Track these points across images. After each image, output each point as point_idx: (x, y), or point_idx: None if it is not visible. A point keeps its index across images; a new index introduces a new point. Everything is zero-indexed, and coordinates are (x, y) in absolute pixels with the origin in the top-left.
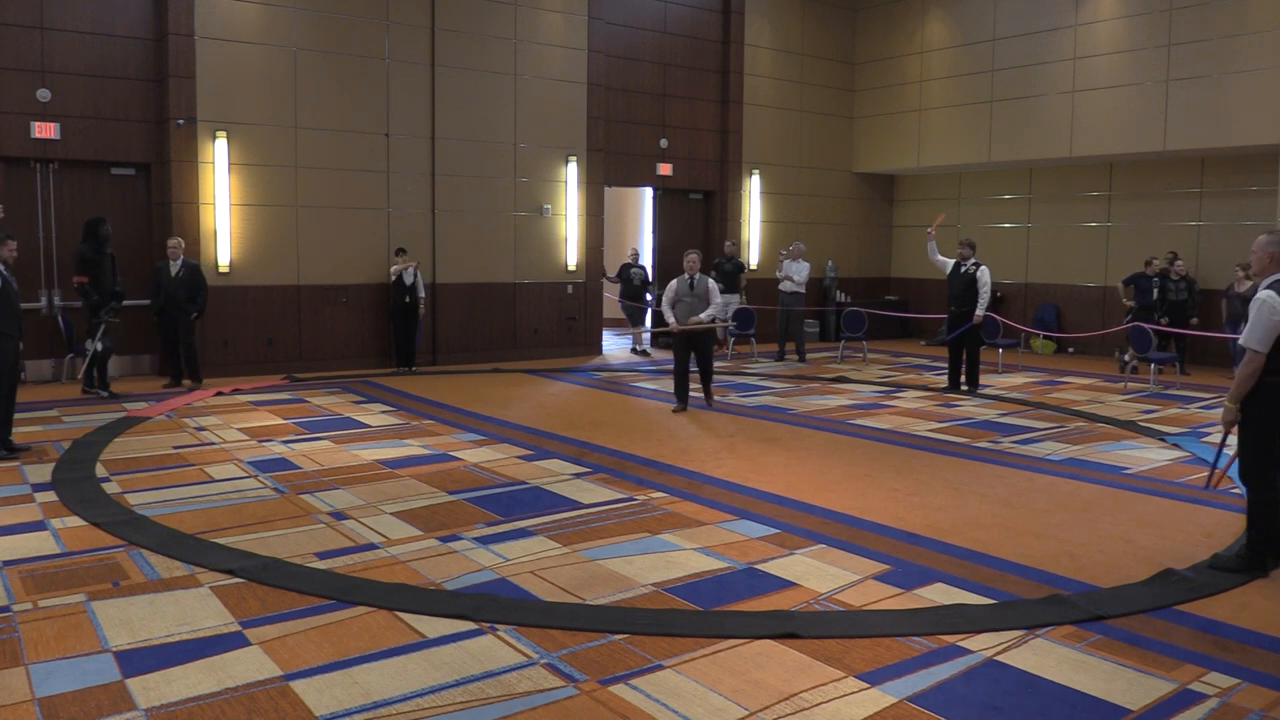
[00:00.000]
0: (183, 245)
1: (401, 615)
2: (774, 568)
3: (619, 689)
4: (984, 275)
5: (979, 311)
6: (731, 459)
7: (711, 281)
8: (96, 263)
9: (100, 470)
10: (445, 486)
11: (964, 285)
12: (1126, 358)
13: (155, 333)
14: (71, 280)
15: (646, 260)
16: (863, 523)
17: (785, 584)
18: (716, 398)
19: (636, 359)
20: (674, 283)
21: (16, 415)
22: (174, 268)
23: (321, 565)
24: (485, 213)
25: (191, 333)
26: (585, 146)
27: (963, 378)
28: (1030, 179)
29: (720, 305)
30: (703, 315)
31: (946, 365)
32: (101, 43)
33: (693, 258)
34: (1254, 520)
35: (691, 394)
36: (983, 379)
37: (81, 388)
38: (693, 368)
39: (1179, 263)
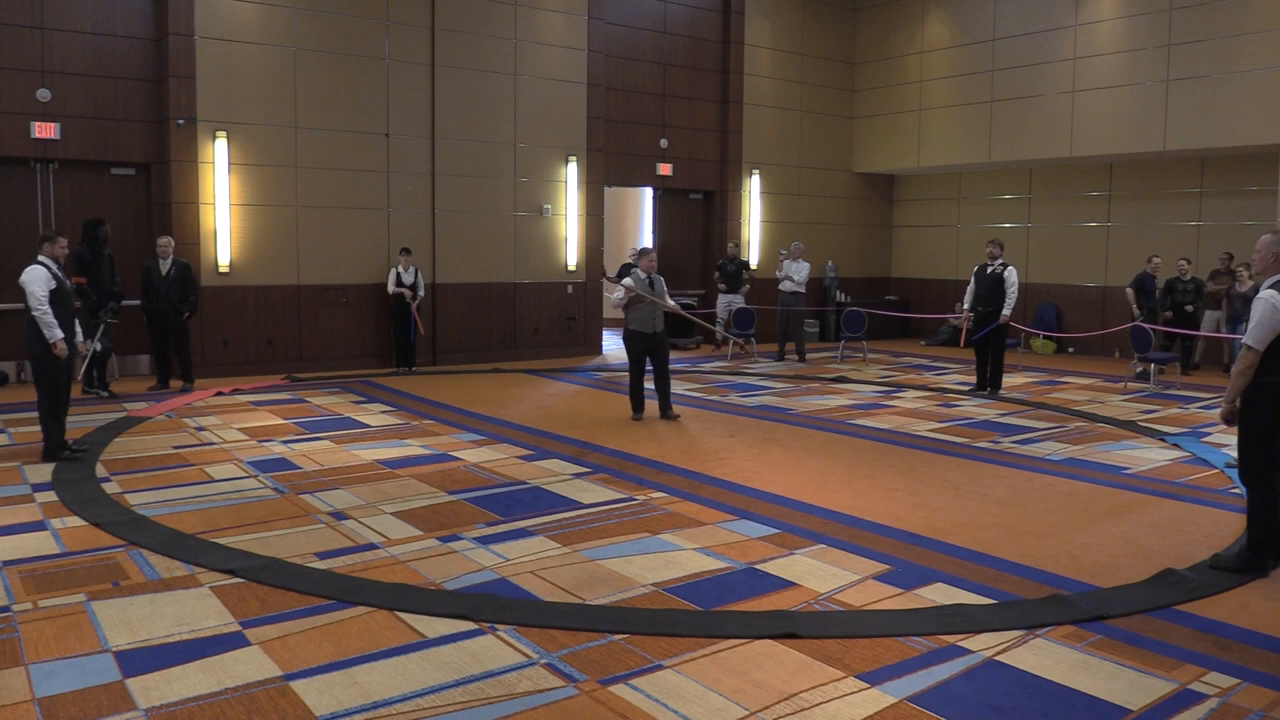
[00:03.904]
0: (172, 244)
1: (401, 615)
2: (774, 568)
3: (619, 689)
4: (1011, 275)
5: (1005, 312)
6: (731, 459)
7: (662, 280)
8: (94, 264)
9: (100, 470)
10: (445, 486)
11: (991, 285)
12: (1136, 363)
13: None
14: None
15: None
16: (863, 523)
17: (785, 584)
18: (715, 397)
19: None
20: (629, 281)
21: (16, 415)
22: (164, 267)
23: (321, 565)
24: (485, 213)
25: (185, 333)
26: (585, 146)
27: (971, 378)
28: (1030, 179)
29: (673, 303)
30: (667, 304)
31: (949, 365)
32: (101, 43)
33: (651, 256)
34: (1254, 521)
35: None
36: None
37: (81, 388)
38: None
39: (1181, 262)
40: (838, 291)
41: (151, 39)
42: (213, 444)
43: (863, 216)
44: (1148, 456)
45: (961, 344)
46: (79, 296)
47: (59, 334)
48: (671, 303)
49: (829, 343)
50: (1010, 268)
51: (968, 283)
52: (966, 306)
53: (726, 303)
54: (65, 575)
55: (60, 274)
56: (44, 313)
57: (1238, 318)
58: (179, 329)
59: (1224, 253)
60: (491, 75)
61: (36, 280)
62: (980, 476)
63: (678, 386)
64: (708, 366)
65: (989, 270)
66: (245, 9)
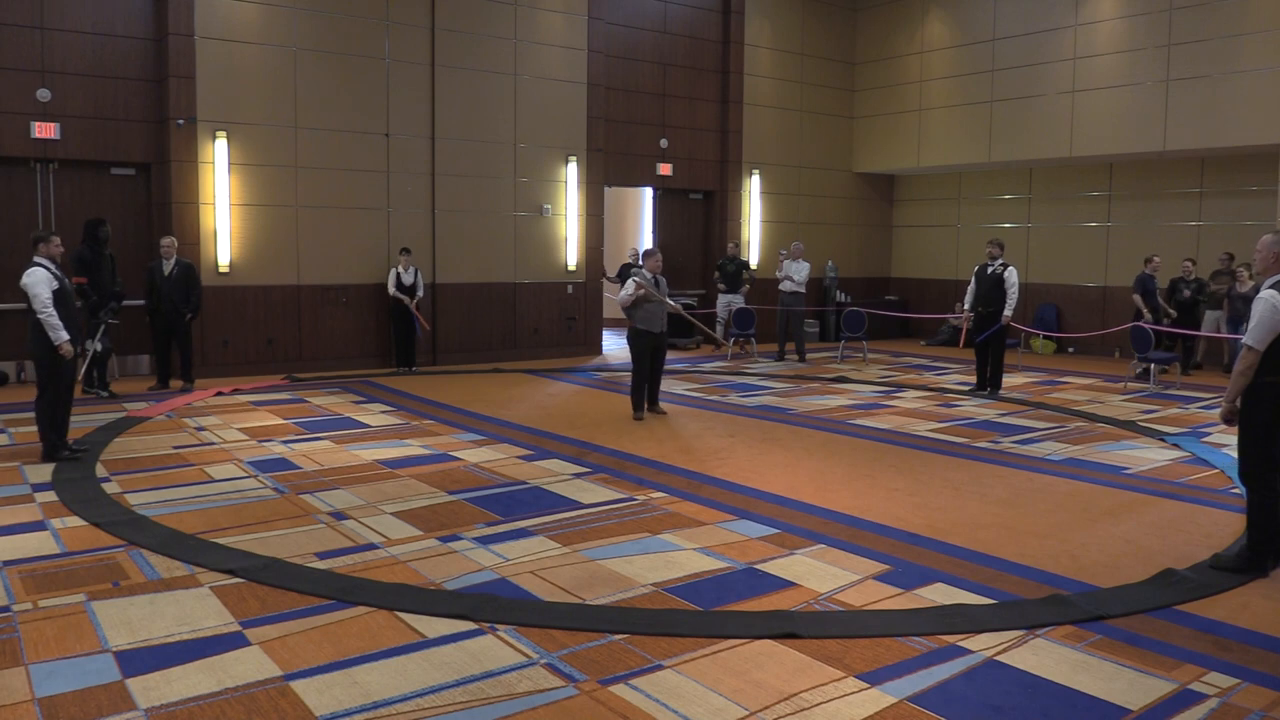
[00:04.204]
0: (176, 244)
1: (401, 615)
2: (774, 568)
3: (619, 689)
4: (1011, 276)
5: (1007, 312)
6: (731, 459)
7: (664, 281)
8: (95, 264)
9: (100, 470)
10: (445, 486)
11: (991, 285)
12: (1135, 364)
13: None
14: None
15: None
16: (863, 523)
17: (785, 584)
18: (715, 397)
19: None
20: (637, 281)
21: (16, 415)
22: (167, 267)
23: (321, 565)
24: (485, 213)
25: (188, 334)
26: (585, 146)
27: (972, 378)
28: (1030, 179)
29: (675, 304)
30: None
31: (949, 365)
32: (101, 43)
33: (658, 257)
34: (1254, 521)
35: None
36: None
37: (81, 388)
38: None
39: (1186, 263)
40: (838, 291)
41: (151, 39)
42: (213, 444)
43: (863, 216)
44: (1148, 456)
45: (961, 344)
46: (79, 297)
47: (65, 335)
48: (673, 303)
49: (829, 343)
50: (1010, 268)
51: (968, 283)
52: (967, 307)
53: (726, 303)
54: (65, 575)
55: (60, 274)
56: (49, 315)
57: (1238, 318)
58: (181, 329)
59: (1224, 253)
60: (491, 75)
61: (39, 282)
62: (980, 476)
63: (677, 386)
64: (708, 366)
65: (989, 270)
66: (245, 9)
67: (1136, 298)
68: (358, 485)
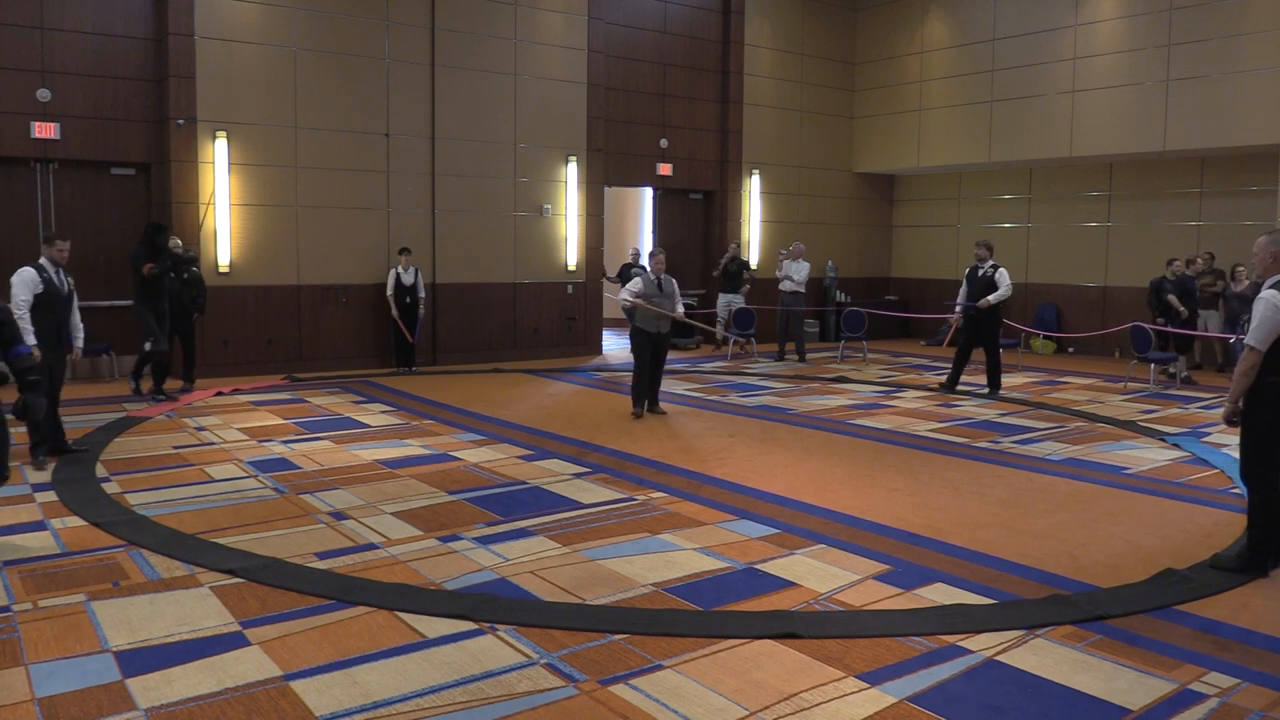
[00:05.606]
0: (180, 245)
1: (401, 615)
2: (774, 568)
3: (619, 689)
4: (1003, 277)
5: (991, 298)
6: (731, 459)
7: (673, 281)
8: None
9: (100, 470)
10: (445, 486)
11: (982, 287)
12: (1174, 370)
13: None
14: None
15: (646, 260)
16: (863, 523)
17: (785, 584)
18: (715, 397)
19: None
20: (638, 282)
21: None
22: None
23: (321, 565)
24: (485, 213)
25: (193, 334)
26: (585, 146)
27: (976, 379)
28: (1030, 179)
29: (682, 304)
30: (678, 309)
31: (949, 365)
32: (101, 43)
33: (661, 257)
34: (1254, 521)
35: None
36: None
37: (132, 387)
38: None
39: (1176, 263)
40: (838, 291)
41: (151, 39)
42: (213, 444)
43: (863, 216)
44: (1148, 456)
45: (945, 344)
46: (153, 284)
47: (32, 341)
48: (680, 309)
49: (829, 343)
50: (1002, 270)
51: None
52: (958, 309)
53: (727, 302)
54: (65, 575)
55: (57, 276)
56: (19, 317)
57: (1235, 318)
58: (187, 330)
59: (1205, 253)
60: (491, 75)
61: (20, 283)
62: (980, 476)
63: (677, 386)
64: (708, 366)
65: (980, 273)
66: (245, 9)
67: (1172, 298)
68: (358, 485)
